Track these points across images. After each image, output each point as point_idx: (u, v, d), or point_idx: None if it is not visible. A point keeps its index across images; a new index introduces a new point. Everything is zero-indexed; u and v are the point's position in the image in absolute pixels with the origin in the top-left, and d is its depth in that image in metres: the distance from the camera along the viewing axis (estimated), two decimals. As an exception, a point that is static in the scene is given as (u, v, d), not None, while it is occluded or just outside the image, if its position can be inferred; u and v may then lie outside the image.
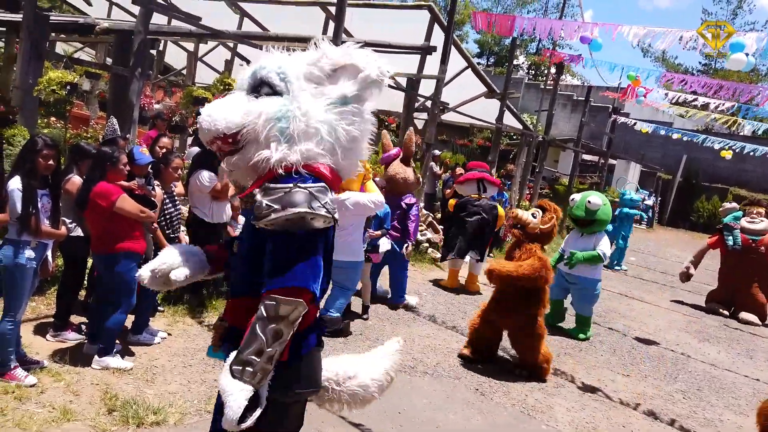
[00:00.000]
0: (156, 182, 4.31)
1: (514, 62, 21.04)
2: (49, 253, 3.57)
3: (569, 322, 6.42)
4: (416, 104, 9.57)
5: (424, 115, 11.28)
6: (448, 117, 13.77)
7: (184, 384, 3.72)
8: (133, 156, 4.04)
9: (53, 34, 8.64)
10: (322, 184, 1.80)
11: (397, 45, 7.89)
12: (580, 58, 10.35)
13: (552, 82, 14.68)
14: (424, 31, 9.32)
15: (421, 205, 9.32)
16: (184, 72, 11.73)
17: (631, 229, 11.46)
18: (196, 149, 5.94)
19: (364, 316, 5.60)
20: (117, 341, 3.90)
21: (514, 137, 18.15)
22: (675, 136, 16.35)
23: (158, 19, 6.64)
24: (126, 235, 3.71)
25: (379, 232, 5.56)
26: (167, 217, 4.48)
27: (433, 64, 9.09)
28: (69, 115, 7.38)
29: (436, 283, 7.56)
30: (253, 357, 1.70)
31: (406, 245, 6.07)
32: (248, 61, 4.87)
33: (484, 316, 4.87)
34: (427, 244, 8.89)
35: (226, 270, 2.20)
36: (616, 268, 11.00)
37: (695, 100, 11.97)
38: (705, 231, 20.80)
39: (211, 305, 5.12)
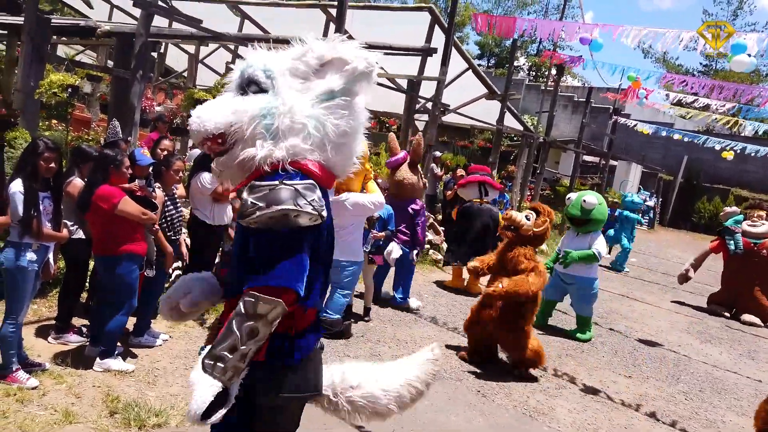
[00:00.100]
0: (157, 184, 4.32)
1: (515, 64, 21.00)
2: (50, 255, 3.58)
3: (559, 321, 6.41)
4: (417, 106, 9.59)
5: (425, 117, 11.28)
6: (449, 118, 13.77)
7: (185, 386, 3.70)
8: (135, 157, 4.05)
9: (54, 37, 8.64)
10: (310, 181, 1.77)
11: (398, 47, 7.90)
12: (580, 60, 10.36)
13: (553, 84, 14.67)
14: (425, 32, 9.32)
15: (422, 206, 9.32)
16: (185, 74, 11.73)
17: (635, 231, 11.45)
18: (197, 151, 5.94)
19: (366, 318, 5.60)
20: (119, 343, 3.91)
21: (515, 138, 18.15)
22: (676, 136, 16.30)
23: (159, 21, 6.67)
24: (127, 237, 3.71)
25: (383, 234, 5.55)
26: (168, 219, 4.48)
27: (433, 65, 9.10)
28: (70, 118, 7.39)
29: (438, 284, 7.56)
30: (226, 353, 1.67)
31: (416, 251, 6.08)
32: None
33: (473, 317, 4.90)
34: (428, 246, 8.88)
35: None
36: (625, 269, 11.00)
37: (696, 101, 11.94)
38: (706, 232, 20.79)
39: (213, 308, 5.11)
